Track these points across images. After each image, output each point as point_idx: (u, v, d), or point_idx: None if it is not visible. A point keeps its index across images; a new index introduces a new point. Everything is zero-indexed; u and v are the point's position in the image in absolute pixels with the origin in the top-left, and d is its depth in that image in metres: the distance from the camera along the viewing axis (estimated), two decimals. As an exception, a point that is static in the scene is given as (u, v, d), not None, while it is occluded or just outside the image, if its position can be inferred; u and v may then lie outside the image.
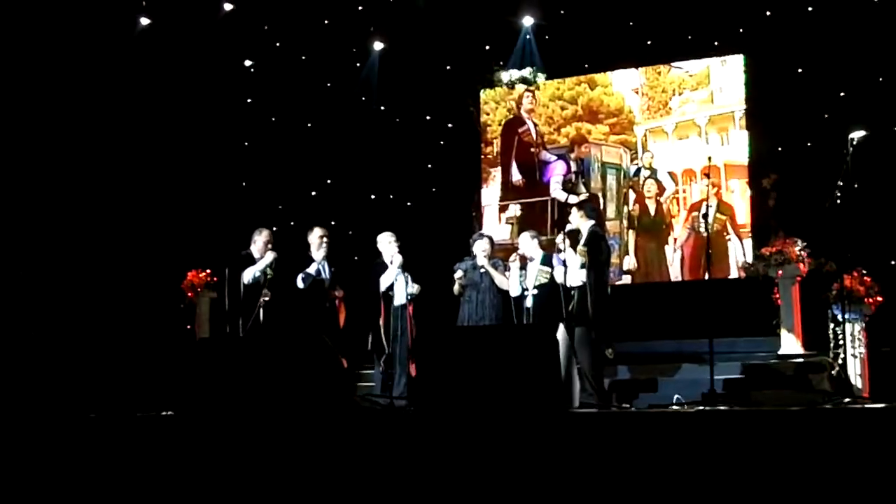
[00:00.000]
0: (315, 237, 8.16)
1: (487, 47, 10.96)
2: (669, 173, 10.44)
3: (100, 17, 10.06)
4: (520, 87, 11.08)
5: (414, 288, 8.12)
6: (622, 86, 10.84)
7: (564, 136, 11.01)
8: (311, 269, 8.04)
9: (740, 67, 10.15)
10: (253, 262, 7.99)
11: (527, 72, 10.82)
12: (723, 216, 10.03)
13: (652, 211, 10.51)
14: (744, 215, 9.99)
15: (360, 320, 8.41)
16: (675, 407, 6.67)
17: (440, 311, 8.44)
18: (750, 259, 9.39)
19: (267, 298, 7.86)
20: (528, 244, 8.06)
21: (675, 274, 10.28)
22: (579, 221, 7.65)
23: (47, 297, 9.67)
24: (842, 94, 9.33)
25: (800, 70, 9.50)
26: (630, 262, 10.49)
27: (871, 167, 9.03)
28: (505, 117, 11.36)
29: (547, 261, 7.93)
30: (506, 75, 10.92)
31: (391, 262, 8.16)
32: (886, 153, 8.99)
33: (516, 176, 11.16)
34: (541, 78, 10.88)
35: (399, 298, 8.13)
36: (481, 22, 10.60)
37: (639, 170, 10.61)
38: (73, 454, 5.42)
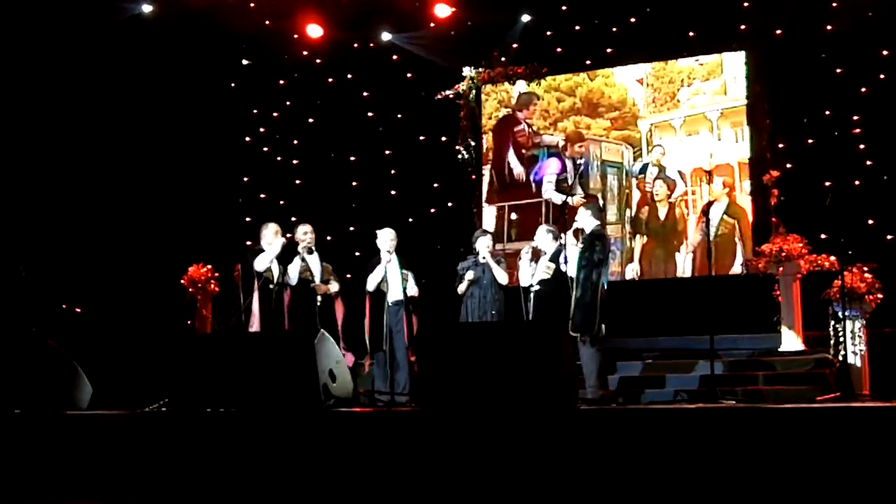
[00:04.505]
0: (300, 234, 8.11)
1: (488, 41, 10.90)
2: (679, 172, 9.60)
3: (104, 12, 10.08)
4: (520, 87, 10.90)
5: (413, 290, 8.07)
6: (625, 76, 9.91)
7: (561, 131, 10.11)
8: (295, 264, 8.00)
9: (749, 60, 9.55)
10: None
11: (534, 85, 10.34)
12: (731, 219, 9.29)
13: (661, 215, 9.62)
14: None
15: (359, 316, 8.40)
16: (675, 403, 6.69)
17: (442, 309, 8.42)
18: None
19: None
20: (544, 238, 8.00)
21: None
22: (585, 221, 7.59)
23: (49, 292, 9.68)
24: (845, 89, 9.33)
25: (802, 65, 9.47)
26: (634, 269, 9.69)
27: (875, 162, 9.10)
28: (496, 109, 10.52)
29: (555, 257, 7.89)
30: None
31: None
32: (890, 148, 9.02)
33: (513, 167, 10.34)
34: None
35: (394, 295, 8.10)
36: (483, 16, 10.53)
37: (645, 167, 9.74)
38: (73, 450, 5.45)
